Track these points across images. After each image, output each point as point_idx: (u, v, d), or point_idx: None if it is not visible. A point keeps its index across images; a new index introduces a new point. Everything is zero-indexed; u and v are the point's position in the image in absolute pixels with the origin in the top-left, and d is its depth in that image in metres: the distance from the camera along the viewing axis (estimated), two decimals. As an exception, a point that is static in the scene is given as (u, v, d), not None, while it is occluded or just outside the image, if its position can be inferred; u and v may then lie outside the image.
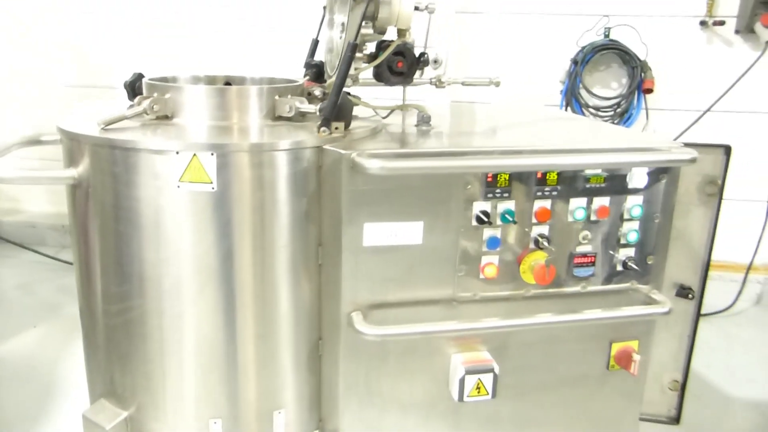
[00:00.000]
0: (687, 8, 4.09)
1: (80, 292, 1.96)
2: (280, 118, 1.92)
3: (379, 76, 2.05)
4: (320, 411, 1.99)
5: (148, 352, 1.83)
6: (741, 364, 3.36)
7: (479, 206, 1.80)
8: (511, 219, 1.81)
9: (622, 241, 1.93)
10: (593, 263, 1.92)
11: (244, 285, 1.77)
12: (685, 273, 2.35)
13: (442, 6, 4.30)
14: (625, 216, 1.91)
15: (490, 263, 1.85)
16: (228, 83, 2.20)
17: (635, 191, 1.90)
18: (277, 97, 1.91)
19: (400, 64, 2.01)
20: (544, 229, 1.87)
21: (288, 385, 1.91)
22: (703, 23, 4.07)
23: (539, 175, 1.82)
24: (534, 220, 1.85)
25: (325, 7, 2.33)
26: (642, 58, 4.15)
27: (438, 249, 1.82)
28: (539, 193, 1.83)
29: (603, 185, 1.87)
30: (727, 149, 2.20)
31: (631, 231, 1.92)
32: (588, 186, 1.86)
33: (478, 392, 1.86)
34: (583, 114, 4.27)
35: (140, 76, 2.03)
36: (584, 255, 1.91)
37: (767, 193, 4.17)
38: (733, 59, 4.07)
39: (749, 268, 4.08)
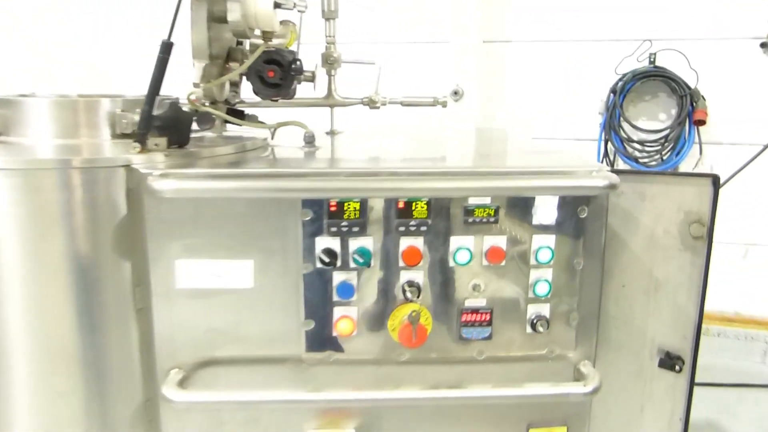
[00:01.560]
0: (744, 29, 3.51)
1: None
2: (123, 135, 1.65)
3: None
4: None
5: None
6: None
7: (323, 243, 1.42)
8: (363, 261, 1.41)
9: (530, 295, 1.47)
10: (489, 322, 1.47)
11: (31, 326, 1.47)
12: (671, 337, 1.81)
13: (466, 35, 3.97)
14: (531, 261, 1.46)
15: (345, 317, 1.45)
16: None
17: (542, 228, 1.45)
18: (118, 111, 1.64)
19: (272, 74, 1.67)
20: (417, 275, 1.45)
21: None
22: (764, 45, 3.46)
23: (401, 205, 1.41)
24: (401, 264, 1.44)
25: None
26: (692, 86, 3.58)
27: (275, 295, 1.45)
28: (403, 228, 1.42)
29: (493, 219, 1.43)
30: (715, 179, 1.68)
31: (539, 281, 1.46)
32: (473, 220, 1.43)
33: (329, 483, 1.45)
34: (624, 149, 3.72)
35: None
36: (475, 311, 1.47)
37: None
38: (803, 85, 3.43)
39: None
